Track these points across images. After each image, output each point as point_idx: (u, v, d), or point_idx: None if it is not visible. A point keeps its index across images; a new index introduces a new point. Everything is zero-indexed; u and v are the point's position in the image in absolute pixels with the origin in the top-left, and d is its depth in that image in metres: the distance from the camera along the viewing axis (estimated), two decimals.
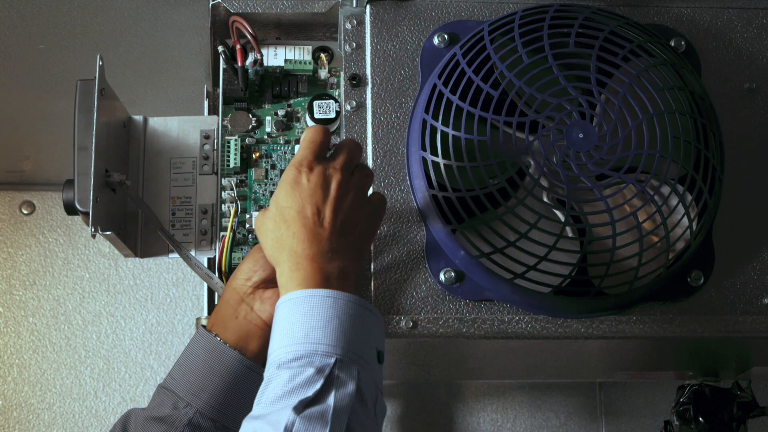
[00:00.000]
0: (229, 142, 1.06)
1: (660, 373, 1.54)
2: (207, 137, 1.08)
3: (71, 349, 1.72)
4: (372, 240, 0.94)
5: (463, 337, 0.98)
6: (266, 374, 0.83)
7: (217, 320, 0.95)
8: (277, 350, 0.83)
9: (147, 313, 1.73)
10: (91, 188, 0.94)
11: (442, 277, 0.98)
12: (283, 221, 0.88)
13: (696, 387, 1.46)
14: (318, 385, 0.79)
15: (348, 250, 0.89)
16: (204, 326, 0.96)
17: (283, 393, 0.80)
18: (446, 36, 1.04)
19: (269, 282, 0.94)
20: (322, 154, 0.91)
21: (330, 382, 0.80)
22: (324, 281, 0.86)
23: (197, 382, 0.92)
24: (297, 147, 1.06)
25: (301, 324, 0.83)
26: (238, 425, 0.92)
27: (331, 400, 0.79)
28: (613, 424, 1.73)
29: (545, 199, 0.96)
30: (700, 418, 1.45)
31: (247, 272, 0.95)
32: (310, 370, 0.80)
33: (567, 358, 1.35)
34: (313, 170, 0.89)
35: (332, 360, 0.81)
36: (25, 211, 1.77)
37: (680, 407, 1.47)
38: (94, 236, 0.96)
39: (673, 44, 1.05)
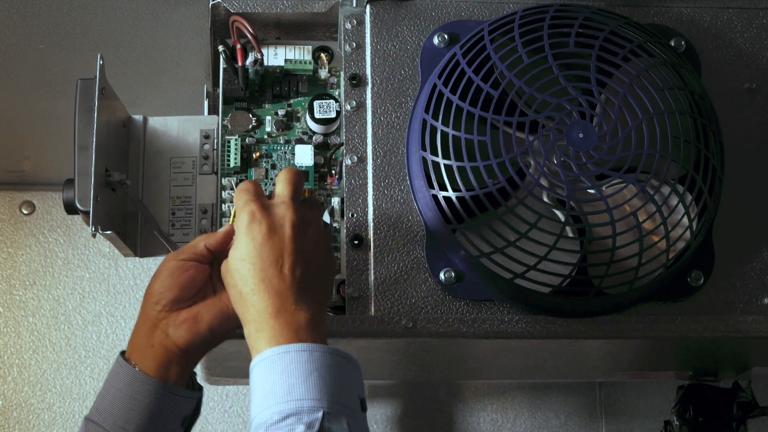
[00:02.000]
0: (229, 142, 1.06)
1: (660, 373, 1.54)
2: (207, 137, 1.08)
3: (71, 349, 1.72)
4: (333, 278, 0.90)
5: (463, 337, 0.98)
6: None
7: (135, 348, 0.90)
8: (262, 413, 0.80)
9: None
10: (92, 187, 0.94)
11: (442, 277, 0.98)
12: (240, 276, 0.85)
13: (696, 387, 1.46)
14: None
15: (314, 294, 0.85)
16: (123, 353, 0.91)
17: None
18: (446, 36, 1.04)
19: (180, 302, 0.89)
20: (263, 193, 0.89)
21: None
22: (293, 335, 0.82)
23: (122, 414, 0.88)
24: (296, 147, 1.06)
25: (280, 382, 0.80)
26: None
27: None
28: (613, 424, 1.73)
29: (545, 199, 0.96)
30: (700, 418, 1.45)
31: (156, 296, 0.89)
32: (301, 428, 0.78)
33: (567, 358, 1.35)
34: (265, 213, 0.86)
35: (320, 414, 0.78)
36: (25, 211, 1.77)
37: (680, 407, 1.47)
38: (94, 236, 0.96)
39: (673, 44, 1.06)
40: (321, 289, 0.87)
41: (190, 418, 0.92)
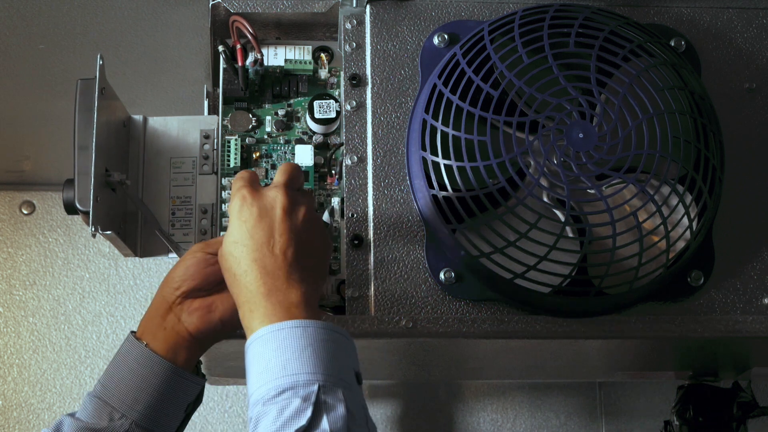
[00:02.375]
0: (229, 142, 1.06)
1: (660, 373, 1.54)
2: (207, 137, 1.08)
3: (71, 349, 1.72)
4: (328, 259, 0.92)
5: (463, 337, 0.98)
6: (252, 413, 0.82)
7: (147, 328, 0.93)
8: (258, 389, 0.82)
9: None
10: (92, 188, 0.94)
11: (442, 277, 0.98)
12: (234, 259, 0.86)
13: (696, 387, 1.46)
14: (309, 413, 0.78)
15: (306, 273, 0.86)
16: (134, 332, 0.93)
17: (276, 428, 0.78)
18: (446, 36, 1.04)
19: (198, 291, 0.92)
20: (258, 182, 0.90)
21: (319, 408, 0.79)
22: (286, 313, 0.84)
23: (131, 393, 0.90)
24: (297, 147, 1.06)
25: (275, 359, 0.81)
26: (172, 431, 0.92)
27: (325, 424, 0.78)
28: (613, 424, 1.73)
29: (545, 199, 0.96)
30: (700, 418, 1.45)
31: (177, 281, 0.92)
32: (297, 401, 0.79)
33: (567, 358, 1.35)
34: (256, 196, 0.88)
35: (315, 387, 0.80)
36: (25, 211, 1.77)
37: (680, 407, 1.47)
38: (94, 236, 0.96)
39: (673, 44, 1.06)
40: (314, 269, 0.88)
41: (192, 405, 0.94)
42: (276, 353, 0.82)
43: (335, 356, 0.83)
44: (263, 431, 0.79)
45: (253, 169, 1.06)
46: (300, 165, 0.98)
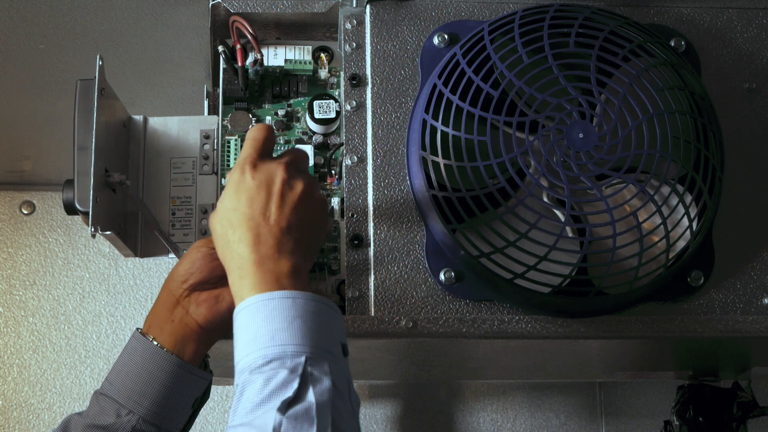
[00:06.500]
0: (229, 142, 1.06)
1: (660, 373, 1.55)
2: (207, 137, 1.08)
3: (71, 349, 1.72)
4: (321, 239, 0.93)
5: (463, 337, 0.98)
6: (238, 381, 0.82)
7: (153, 323, 0.94)
8: (245, 357, 0.82)
9: (147, 313, 1.73)
10: (91, 188, 0.94)
11: (442, 277, 0.98)
12: (230, 225, 0.87)
13: (696, 387, 1.46)
14: (295, 385, 0.79)
15: (297, 247, 0.88)
16: (140, 329, 0.94)
17: (262, 398, 0.79)
18: (446, 36, 1.04)
19: (205, 284, 0.94)
20: (266, 151, 0.91)
21: (306, 380, 0.80)
22: (276, 283, 0.84)
23: (138, 388, 0.91)
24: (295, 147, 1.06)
25: (264, 328, 0.82)
26: (179, 427, 0.92)
27: (311, 397, 0.79)
28: (613, 424, 1.73)
29: (545, 199, 0.96)
30: (700, 418, 1.45)
31: (184, 274, 0.94)
32: (284, 372, 0.80)
33: (567, 358, 1.35)
34: (257, 168, 0.89)
35: (302, 358, 0.81)
36: (25, 211, 1.77)
37: (680, 407, 1.47)
38: (94, 236, 0.96)
39: (673, 44, 1.06)
40: (305, 243, 0.89)
41: (199, 400, 0.95)
42: (265, 323, 0.83)
43: (323, 329, 0.84)
44: (248, 399, 0.80)
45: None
46: (307, 153, 0.98)
